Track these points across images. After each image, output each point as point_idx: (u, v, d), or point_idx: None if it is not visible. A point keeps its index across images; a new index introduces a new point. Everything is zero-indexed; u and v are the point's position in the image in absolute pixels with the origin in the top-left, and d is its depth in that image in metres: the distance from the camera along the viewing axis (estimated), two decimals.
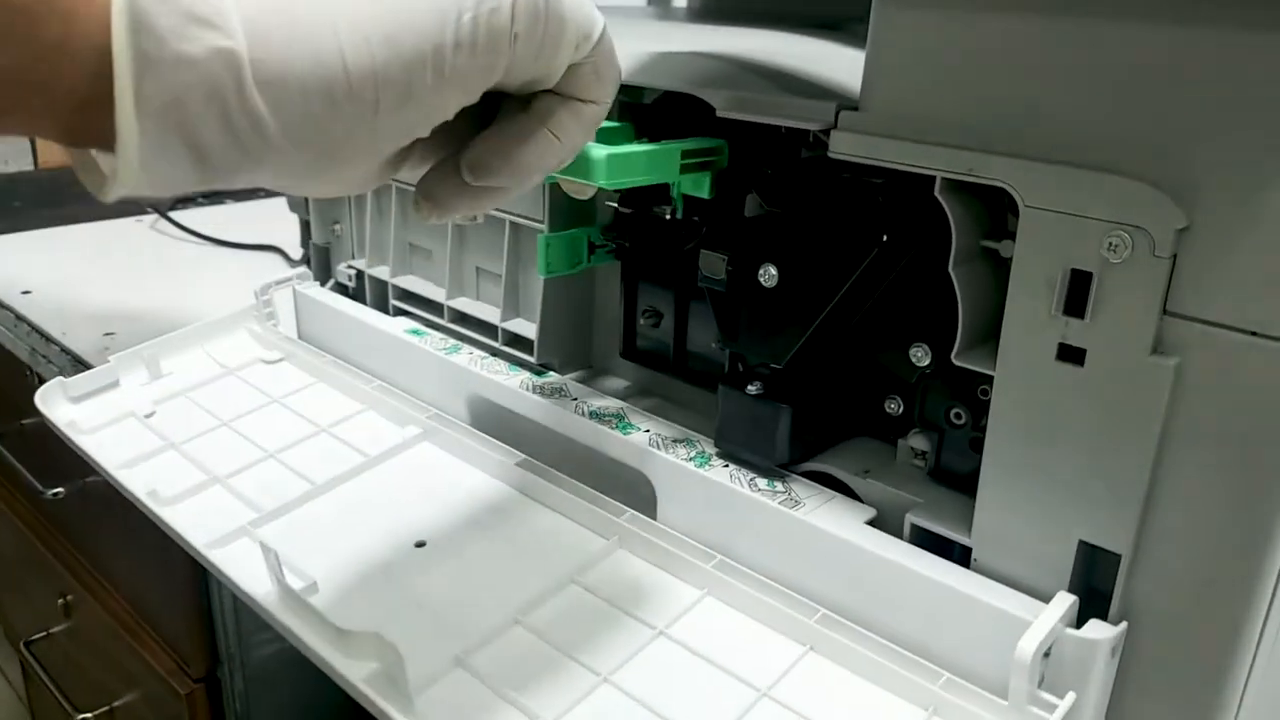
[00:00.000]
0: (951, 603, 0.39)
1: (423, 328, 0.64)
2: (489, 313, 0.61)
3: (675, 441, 0.49)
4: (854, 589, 0.42)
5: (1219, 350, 0.33)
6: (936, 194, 0.38)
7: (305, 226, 0.76)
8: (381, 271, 0.68)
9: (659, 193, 0.49)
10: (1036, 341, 0.36)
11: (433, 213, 0.35)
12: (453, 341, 0.62)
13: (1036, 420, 0.37)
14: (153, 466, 0.55)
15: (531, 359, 0.58)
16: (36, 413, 0.59)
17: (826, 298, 0.43)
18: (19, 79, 0.24)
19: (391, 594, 0.45)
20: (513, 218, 0.57)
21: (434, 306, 0.64)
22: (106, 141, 0.25)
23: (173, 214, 1.13)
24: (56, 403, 0.60)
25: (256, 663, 0.82)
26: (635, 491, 0.49)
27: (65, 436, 0.58)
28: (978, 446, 0.40)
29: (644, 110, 0.50)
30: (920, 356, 0.43)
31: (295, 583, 0.44)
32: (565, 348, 0.59)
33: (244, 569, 0.46)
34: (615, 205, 0.53)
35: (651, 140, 0.44)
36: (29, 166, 1.83)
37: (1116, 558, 0.36)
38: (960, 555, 0.41)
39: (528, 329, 0.58)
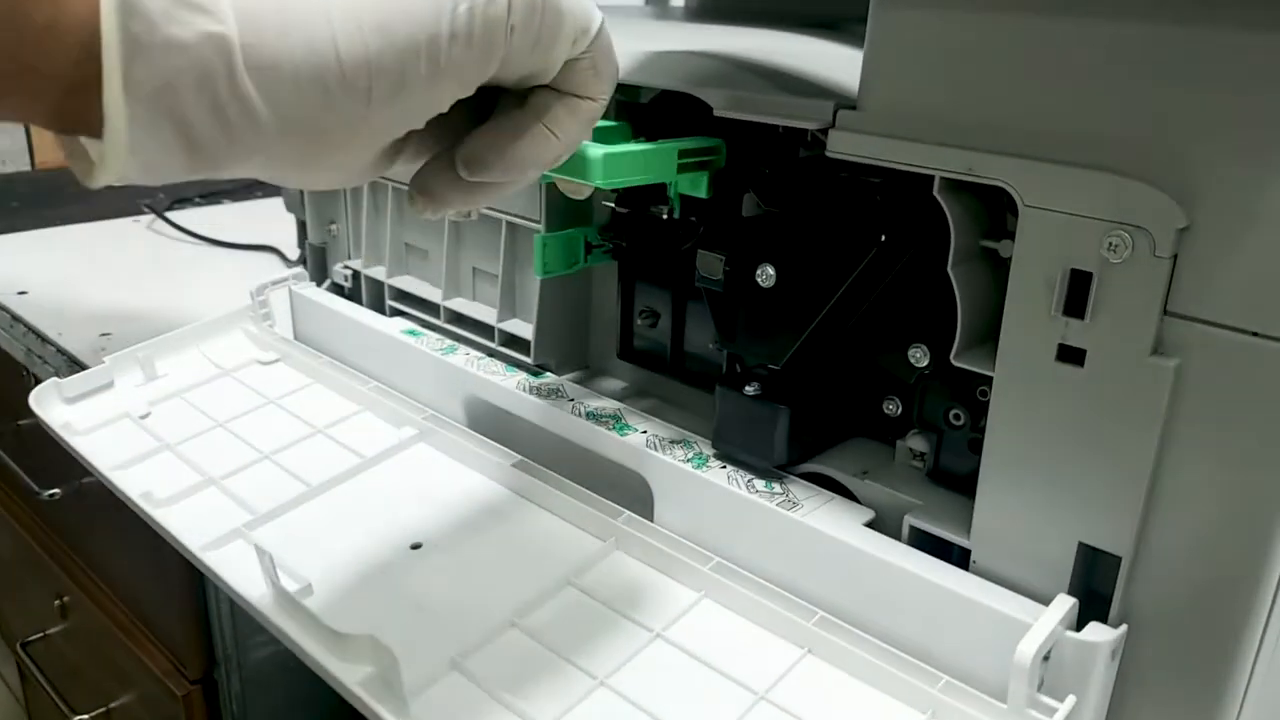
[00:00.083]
0: (950, 605, 0.38)
1: (419, 328, 0.64)
2: (485, 313, 0.61)
3: (672, 442, 0.49)
4: (852, 591, 0.41)
5: (1220, 351, 0.32)
6: (935, 193, 0.38)
7: (302, 227, 0.76)
8: (378, 272, 0.68)
9: (656, 192, 0.49)
10: (1036, 342, 0.36)
11: (427, 207, 0.35)
12: (449, 342, 0.61)
13: (1036, 421, 0.37)
14: (147, 468, 0.55)
15: (528, 359, 0.58)
16: (32, 413, 0.59)
17: (825, 298, 0.43)
18: (7, 62, 0.24)
19: (387, 596, 0.45)
20: (509, 217, 0.57)
21: (430, 307, 0.64)
22: (95, 127, 0.25)
23: (170, 214, 1.13)
24: (51, 404, 0.60)
25: (253, 664, 0.82)
26: (632, 493, 0.49)
27: (59, 438, 0.58)
28: (977, 448, 0.40)
29: (641, 109, 0.50)
30: (919, 357, 0.43)
31: (290, 585, 0.43)
32: (562, 348, 0.59)
33: (239, 571, 0.45)
34: (612, 205, 0.53)
35: (649, 140, 0.44)
36: (26, 167, 1.82)
37: (1116, 560, 0.36)
38: (959, 557, 0.40)
39: (524, 329, 0.58)
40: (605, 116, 0.43)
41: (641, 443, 0.49)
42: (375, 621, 0.42)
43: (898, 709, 0.39)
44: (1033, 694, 0.35)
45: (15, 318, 0.84)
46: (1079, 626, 0.36)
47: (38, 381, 0.62)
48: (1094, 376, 0.35)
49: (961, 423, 0.43)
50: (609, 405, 0.53)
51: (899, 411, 0.46)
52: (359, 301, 0.69)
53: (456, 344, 0.61)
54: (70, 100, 0.25)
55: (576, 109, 0.34)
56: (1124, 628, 0.36)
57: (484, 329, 0.60)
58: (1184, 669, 0.36)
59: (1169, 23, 0.31)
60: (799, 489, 0.45)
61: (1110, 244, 0.33)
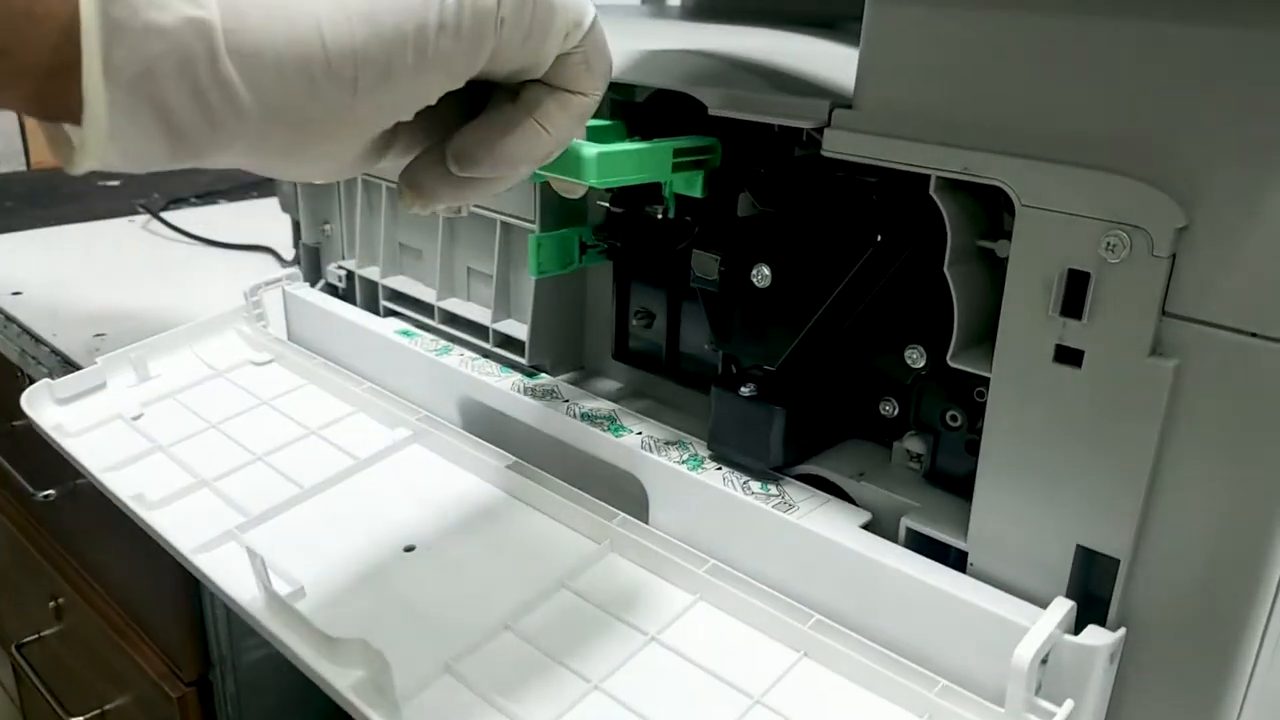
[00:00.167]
0: (947, 608, 0.38)
1: (413, 329, 0.63)
2: (480, 314, 0.60)
3: (668, 444, 0.49)
4: (848, 594, 0.41)
5: (1219, 351, 0.32)
6: (931, 193, 0.37)
7: (297, 227, 0.75)
8: (372, 272, 0.67)
9: (651, 192, 0.49)
10: (1033, 343, 0.36)
11: (415, 201, 0.34)
12: (443, 343, 0.61)
13: (1033, 423, 0.37)
14: (139, 469, 0.55)
15: (523, 360, 0.57)
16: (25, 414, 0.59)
17: (820, 298, 0.43)
18: None
19: (380, 599, 0.44)
20: (504, 217, 0.56)
21: (424, 307, 0.64)
22: (75, 113, 0.24)
23: (165, 214, 1.13)
24: (43, 405, 0.60)
25: (248, 666, 0.81)
26: (627, 495, 0.49)
27: (51, 439, 0.57)
28: (974, 449, 0.40)
29: (636, 108, 0.49)
30: (915, 358, 0.42)
31: (282, 588, 0.43)
32: (557, 349, 0.58)
33: (230, 574, 0.45)
34: (607, 205, 0.53)
35: (643, 139, 0.44)
36: (21, 167, 1.82)
37: (1115, 562, 0.36)
38: (956, 560, 0.40)
39: (519, 330, 0.58)
40: (600, 115, 0.43)
41: (636, 444, 0.49)
42: (367, 624, 0.42)
43: (894, 713, 0.38)
44: (1030, 698, 0.35)
45: (9, 318, 0.84)
46: (1077, 630, 0.36)
47: (32, 382, 0.62)
48: (1092, 377, 0.35)
49: (958, 424, 0.43)
50: (604, 406, 0.53)
51: (895, 413, 0.46)
52: (353, 302, 0.69)
53: (451, 345, 0.61)
54: (50, 85, 0.24)
55: (568, 104, 0.33)
56: (1122, 631, 0.36)
57: (478, 330, 0.60)
58: (1183, 672, 0.35)
59: (1168, 20, 0.31)
60: (795, 491, 0.45)
61: (1108, 244, 0.33)
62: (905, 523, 0.42)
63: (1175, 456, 0.34)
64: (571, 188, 0.42)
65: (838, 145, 0.40)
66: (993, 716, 0.36)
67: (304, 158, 0.30)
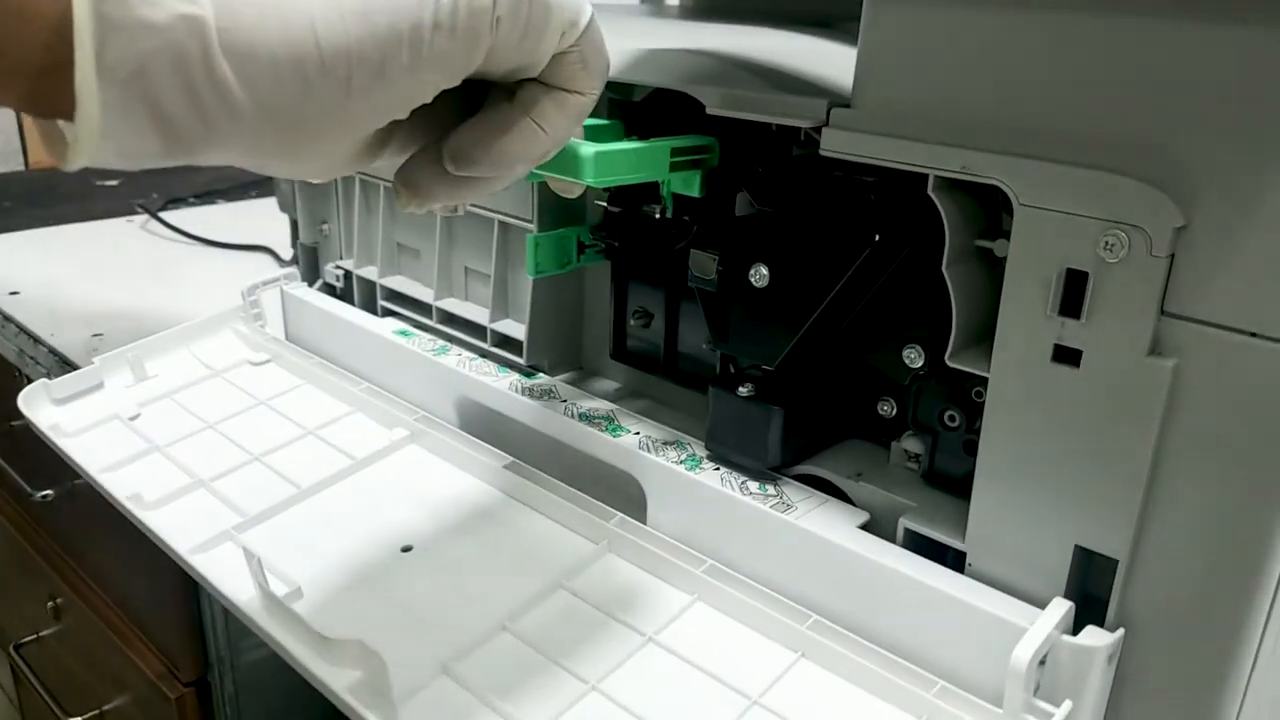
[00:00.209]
0: (945, 609, 0.38)
1: (411, 329, 0.63)
2: (478, 313, 0.60)
3: (665, 444, 0.49)
4: (846, 594, 0.41)
5: (1217, 351, 0.32)
6: (930, 192, 0.37)
7: (295, 226, 0.75)
8: (369, 272, 0.67)
9: (649, 192, 0.49)
10: (1032, 342, 0.36)
11: (411, 200, 0.34)
12: (441, 343, 0.61)
13: (1032, 423, 0.36)
14: (136, 470, 0.54)
15: (520, 360, 0.57)
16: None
17: (818, 298, 0.43)
18: None
19: (377, 600, 0.44)
20: (501, 217, 0.56)
21: (422, 307, 0.64)
22: (68, 110, 0.24)
23: (164, 214, 1.13)
24: (40, 405, 0.60)
25: (247, 667, 0.81)
26: (625, 495, 0.48)
27: (48, 439, 0.57)
28: (972, 449, 0.40)
29: (633, 108, 0.49)
30: (914, 358, 0.42)
31: (279, 588, 0.43)
32: (554, 349, 0.58)
33: (227, 574, 0.45)
34: (605, 204, 0.52)
35: (641, 138, 0.44)
36: (20, 167, 1.82)
37: (1114, 563, 0.36)
38: (954, 560, 0.40)
39: (517, 330, 0.58)
40: (598, 114, 0.42)
41: (634, 444, 0.48)
42: (364, 625, 0.42)
43: (892, 714, 0.38)
44: (1029, 699, 0.35)
45: (7, 318, 0.84)
46: (1075, 630, 0.36)
47: (30, 382, 0.61)
48: (1090, 377, 0.35)
49: (957, 424, 0.43)
50: (602, 406, 0.52)
51: (894, 413, 0.45)
52: (351, 302, 0.69)
53: (448, 345, 0.61)
54: (43, 83, 0.24)
55: (565, 104, 0.33)
56: (1121, 631, 0.36)
57: (476, 329, 0.60)
58: (1182, 673, 0.35)
59: (1166, 19, 0.31)
60: (793, 491, 0.45)
61: (1106, 243, 0.33)
62: (903, 523, 0.42)
63: (1174, 456, 0.34)
64: (569, 187, 0.42)
65: (836, 144, 0.39)
66: (991, 717, 0.36)
67: (298, 156, 0.30)
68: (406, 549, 0.47)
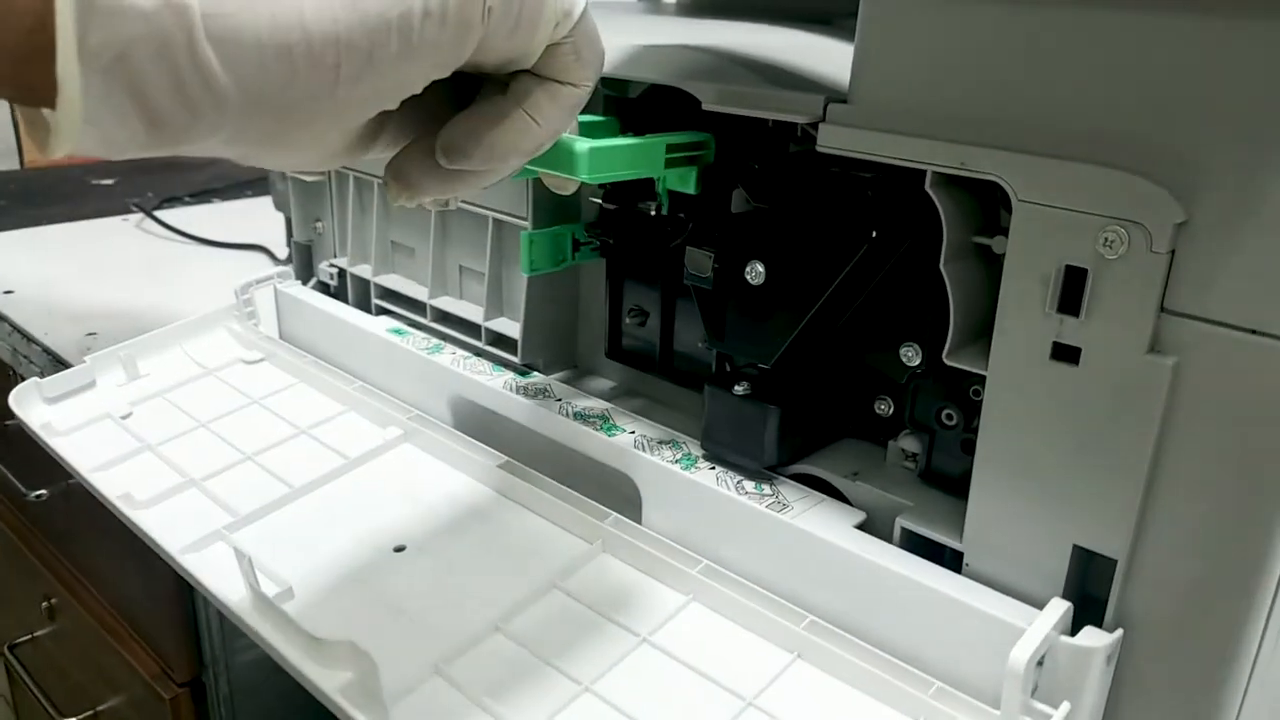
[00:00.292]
0: (942, 609, 0.38)
1: (405, 327, 0.63)
2: (472, 312, 0.60)
3: (661, 443, 0.48)
4: (843, 594, 0.41)
5: (1218, 349, 0.32)
6: (927, 188, 0.37)
7: (290, 224, 0.75)
8: (364, 270, 0.67)
9: (644, 188, 0.48)
10: (1030, 340, 0.35)
11: (401, 194, 0.34)
12: (435, 341, 0.61)
13: (1030, 421, 0.36)
14: (128, 469, 0.54)
15: (515, 359, 0.57)
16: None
17: (815, 296, 0.42)
18: None
19: (369, 600, 0.44)
20: (496, 214, 0.56)
21: (416, 305, 0.63)
22: (50, 97, 0.24)
23: (159, 213, 1.12)
24: (31, 404, 0.59)
25: (242, 668, 0.81)
26: (620, 494, 0.48)
27: (39, 438, 0.57)
28: (970, 448, 0.39)
29: (629, 104, 0.49)
30: (911, 356, 0.42)
31: (270, 589, 0.43)
32: (549, 347, 0.58)
33: (218, 574, 0.44)
34: (600, 201, 0.52)
35: (636, 134, 0.43)
36: (15, 166, 1.81)
37: (1112, 563, 0.35)
38: (951, 560, 0.40)
39: (511, 328, 0.57)
40: (593, 110, 0.42)
41: (629, 443, 0.48)
42: (356, 625, 0.42)
43: (889, 715, 0.38)
44: (1026, 700, 0.35)
45: (1, 317, 0.83)
46: (1074, 631, 0.36)
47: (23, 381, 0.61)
48: (1089, 375, 0.34)
49: (954, 423, 0.42)
50: (597, 405, 0.52)
51: (890, 411, 0.45)
52: (345, 300, 0.68)
53: (443, 343, 0.60)
54: (24, 70, 0.24)
55: (558, 95, 0.33)
56: (1119, 632, 0.35)
57: (471, 328, 0.60)
58: (1181, 674, 0.35)
59: (1168, 13, 0.31)
60: (789, 490, 0.45)
61: (1106, 240, 0.32)
62: (900, 523, 0.42)
63: (1173, 455, 0.33)
64: (563, 183, 0.42)
65: (832, 140, 0.39)
66: (988, 718, 0.36)
67: (286, 146, 0.29)
68: (399, 549, 0.47)
